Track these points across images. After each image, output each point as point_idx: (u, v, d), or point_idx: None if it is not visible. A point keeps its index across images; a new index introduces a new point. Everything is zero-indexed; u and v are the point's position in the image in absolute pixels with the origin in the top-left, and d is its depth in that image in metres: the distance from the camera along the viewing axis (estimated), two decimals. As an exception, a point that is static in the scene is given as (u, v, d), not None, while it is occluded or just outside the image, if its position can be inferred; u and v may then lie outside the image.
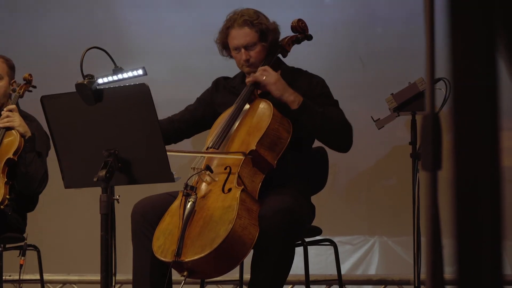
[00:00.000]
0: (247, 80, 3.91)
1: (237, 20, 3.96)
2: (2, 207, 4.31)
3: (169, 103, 4.72)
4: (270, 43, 3.99)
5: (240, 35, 3.95)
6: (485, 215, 1.12)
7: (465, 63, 1.05)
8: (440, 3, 1.51)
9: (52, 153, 3.36)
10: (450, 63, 1.07)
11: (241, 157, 3.64)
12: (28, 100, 4.70)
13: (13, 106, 4.55)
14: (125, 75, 3.38)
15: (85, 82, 3.15)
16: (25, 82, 4.68)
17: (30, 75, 4.70)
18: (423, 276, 4.26)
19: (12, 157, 4.44)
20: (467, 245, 1.14)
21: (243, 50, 3.94)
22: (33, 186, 4.53)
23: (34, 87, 4.71)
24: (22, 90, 4.65)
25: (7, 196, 4.33)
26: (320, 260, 5.83)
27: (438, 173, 1.37)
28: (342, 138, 3.86)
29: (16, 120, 4.50)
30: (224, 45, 4.04)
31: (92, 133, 3.26)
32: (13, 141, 4.47)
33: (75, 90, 3.19)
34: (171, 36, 6.29)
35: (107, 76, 3.35)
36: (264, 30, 3.96)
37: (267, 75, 3.81)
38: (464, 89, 1.07)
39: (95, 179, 3.12)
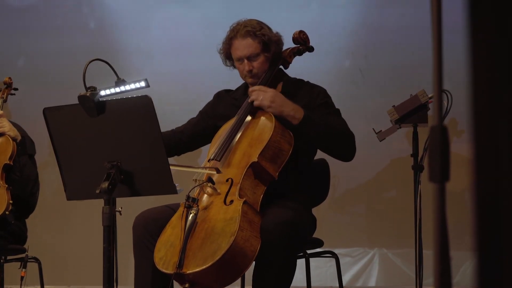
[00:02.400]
0: (249, 100, 3.90)
1: (240, 31, 3.96)
2: (7, 212, 4.32)
3: (169, 114, 4.73)
4: (273, 54, 3.99)
5: (243, 46, 3.96)
6: (507, 227, 1.11)
7: (486, 75, 1.05)
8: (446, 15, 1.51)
9: (54, 165, 3.35)
10: (471, 74, 1.07)
11: (214, 172, 3.63)
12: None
13: (1, 112, 4.57)
14: (127, 87, 3.38)
15: (87, 94, 3.15)
16: (6, 86, 4.73)
17: (9, 78, 4.76)
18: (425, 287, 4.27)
19: (8, 162, 4.46)
20: (488, 258, 1.13)
21: (246, 61, 3.95)
22: (28, 189, 4.57)
23: (16, 89, 4.76)
24: (5, 94, 4.70)
25: (10, 201, 4.35)
26: (319, 273, 5.83)
27: (445, 184, 1.37)
28: (346, 147, 3.85)
29: (6, 125, 4.52)
30: (227, 56, 4.05)
31: (95, 145, 3.25)
32: (6, 146, 4.50)
33: (77, 102, 3.19)
34: (172, 47, 6.30)
35: (109, 88, 3.35)
36: (267, 41, 3.96)
37: (262, 98, 3.81)
38: (485, 100, 1.07)
39: (97, 191, 3.11)
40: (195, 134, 4.15)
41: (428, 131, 4.07)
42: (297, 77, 4.13)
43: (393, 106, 4.32)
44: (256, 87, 3.87)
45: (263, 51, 3.97)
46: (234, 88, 4.22)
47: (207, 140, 4.08)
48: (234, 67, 4.06)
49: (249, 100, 3.87)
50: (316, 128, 3.76)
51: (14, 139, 4.52)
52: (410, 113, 4.26)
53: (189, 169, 3.80)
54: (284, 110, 3.77)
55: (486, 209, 1.14)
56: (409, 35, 6.06)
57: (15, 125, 4.64)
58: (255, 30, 3.96)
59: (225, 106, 4.11)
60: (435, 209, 1.38)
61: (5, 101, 4.71)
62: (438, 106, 1.38)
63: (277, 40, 4.02)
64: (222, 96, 4.20)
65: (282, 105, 3.78)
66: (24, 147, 4.55)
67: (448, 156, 1.37)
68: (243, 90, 4.13)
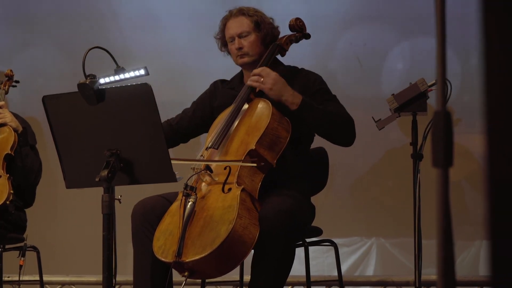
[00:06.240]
0: (247, 83, 3.89)
1: (233, 11, 4.05)
2: (8, 202, 4.34)
3: (166, 104, 4.72)
4: (265, 35, 4.00)
5: (235, 24, 4.02)
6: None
7: (500, 60, 1.04)
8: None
9: (53, 153, 3.35)
10: (484, 57, 1.06)
11: (254, 164, 3.62)
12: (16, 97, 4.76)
13: (2, 103, 4.61)
14: (127, 75, 3.37)
15: (87, 82, 3.15)
16: (7, 78, 4.77)
17: (11, 70, 4.82)
18: (424, 277, 4.27)
19: (9, 152, 4.48)
20: (502, 247, 1.13)
21: (236, 38, 3.98)
22: (31, 179, 4.61)
23: (17, 81, 4.80)
24: (7, 86, 4.75)
25: (11, 191, 4.37)
26: (316, 263, 5.82)
27: (449, 170, 1.37)
28: (345, 132, 3.84)
29: (8, 116, 4.56)
30: (223, 40, 4.08)
31: (94, 133, 3.24)
32: (8, 137, 4.54)
33: (77, 90, 3.19)
34: (169, 38, 6.29)
35: (109, 76, 3.34)
36: (259, 21, 4.01)
37: (264, 79, 3.80)
38: (498, 88, 1.06)
39: (97, 179, 3.11)
40: (192, 124, 4.12)
41: (429, 118, 4.09)
42: (293, 65, 4.13)
43: (393, 94, 4.31)
44: (258, 70, 3.86)
45: (255, 31, 3.99)
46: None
47: (205, 129, 4.07)
48: (229, 52, 4.08)
49: (249, 82, 3.86)
50: (314, 114, 3.75)
51: (15, 130, 4.54)
52: (410, 102, 4.26)
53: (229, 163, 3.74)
54: (283, 95, 3.77)
55: (499, 196, 1.13)
56: (408, 23, 6.04)
57: (16, 116, 4.65)
58: (248, 10, 4.03)
59: (222, 97, 4.10)
60: (438, 195, 1.38)
61: (6, 93, 4.75)
62: (441, 91, 1.37)
63: (270, 23, 4.05)
64: (218, 86, 4.19)
65: (282, 89, 3.78)
66: (26, 138, 4.57)
67: (451, 141, 1.36)
68: (239, 78, 4.13)
